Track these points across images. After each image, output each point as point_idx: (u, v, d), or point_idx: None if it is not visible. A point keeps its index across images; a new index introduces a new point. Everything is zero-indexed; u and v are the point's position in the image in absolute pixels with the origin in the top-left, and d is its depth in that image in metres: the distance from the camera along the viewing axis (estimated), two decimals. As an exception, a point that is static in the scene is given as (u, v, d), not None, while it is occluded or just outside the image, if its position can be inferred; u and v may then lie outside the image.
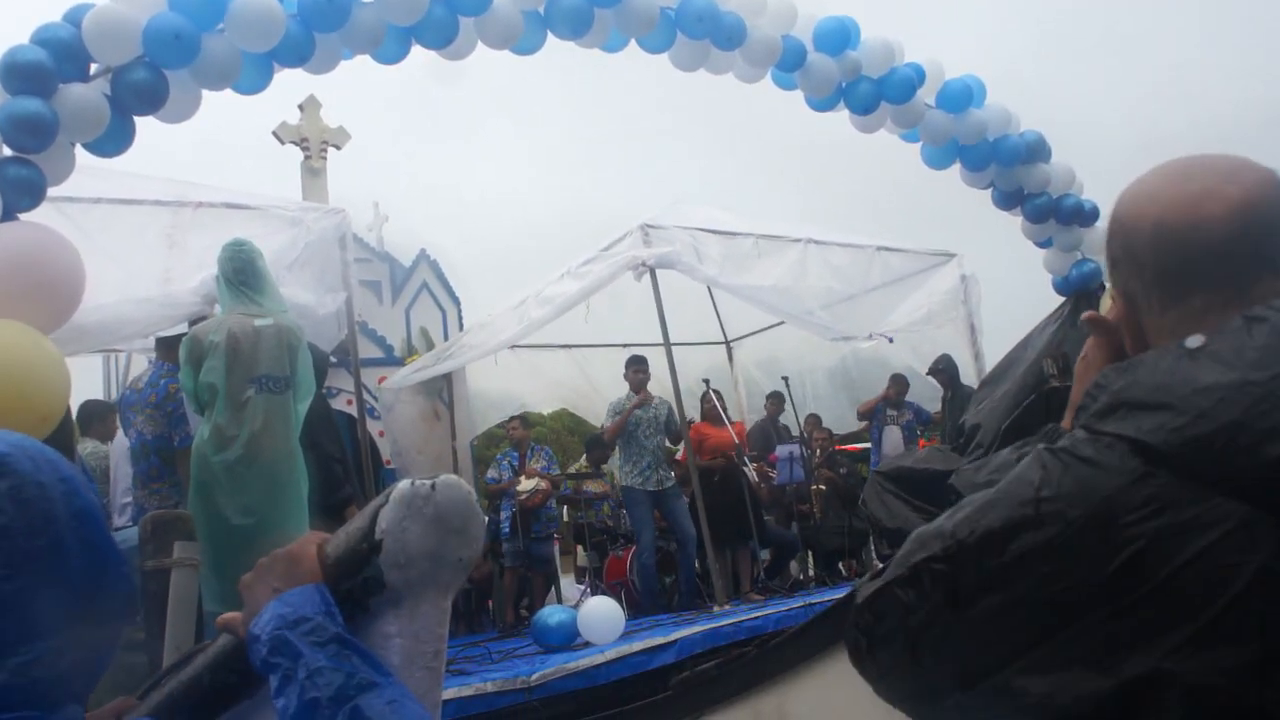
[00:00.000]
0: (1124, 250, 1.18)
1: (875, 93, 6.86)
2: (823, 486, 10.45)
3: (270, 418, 5.23)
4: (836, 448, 11.28)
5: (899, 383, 10.50)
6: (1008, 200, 7.50)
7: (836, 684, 3.96)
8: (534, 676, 5.52)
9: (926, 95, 7.03)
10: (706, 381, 9.83)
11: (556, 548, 10.33)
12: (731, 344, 12.63)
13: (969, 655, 1.03)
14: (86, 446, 7.25)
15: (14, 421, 3.72)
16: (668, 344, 7.92)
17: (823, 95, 6.90)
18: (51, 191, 4.79)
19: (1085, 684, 0.95)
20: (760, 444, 10.70)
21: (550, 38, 6.09)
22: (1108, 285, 1.27)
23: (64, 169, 4.80)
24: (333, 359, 7.22)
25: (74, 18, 4.70)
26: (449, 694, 5.05)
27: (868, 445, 11.21)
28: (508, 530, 9.31)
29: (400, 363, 9.82)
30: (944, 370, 10.12)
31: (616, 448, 9.35)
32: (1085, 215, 7.26)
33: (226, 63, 5.10)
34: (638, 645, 5.93)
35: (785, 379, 10.35)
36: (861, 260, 9.47)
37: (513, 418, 10.35)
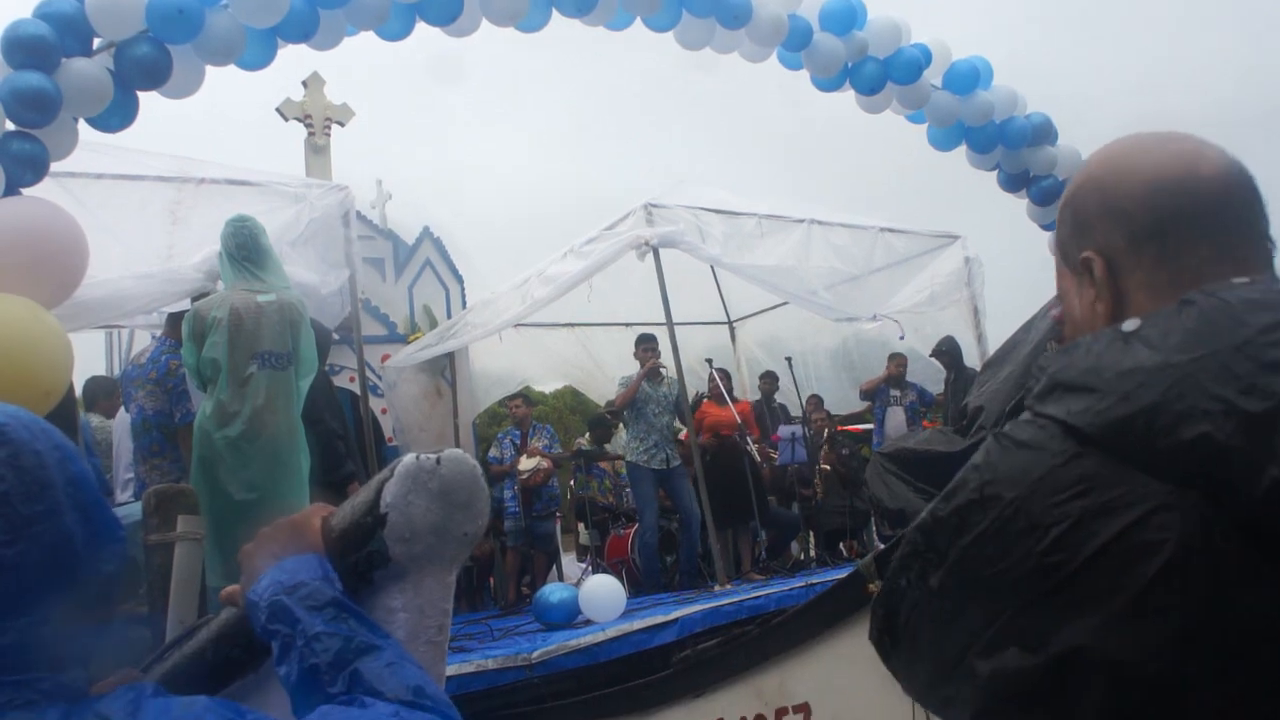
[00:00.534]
0: (1106, 208, 1.16)
1: (881, 73, 6.84)
2: (827, 467, 10.46)
3: (273, 394, 5.23)
4: (838, 429, 11.28)
5: (899, 360, 10.49)
6: (1013, 182, 7.49)
7: (838, 663, 3.98)
8: (535, 654, 5.53)
9: (933, 76, 7.01)
10: (710, 361, 9.83)
11: (558, 526, 10.34)
12: (734, 324, 12.62)
13: (946, 641, 1.05)
14: (93, 421, 7.29)
15: (17, 396, 3.72)
16: (670, 323, 7.91)
17: (829, 75, 6.87)
18: (54, 166, 4.79)
19: (1017, 662, 0.96)
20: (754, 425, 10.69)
21: (555, 15, 6.06)
22: (1057, 255, 1.25)
23: (67, 144, 4.79)
24: (335, 336, 7.22)
25: (77, -9, 4.69)
26: (450, 670, 5.07)
27: (869, 426, 11.20)
28: (515, 508, 9.31)
29: (403, 340, 9.81)
30: (947, 352, 10.10)
31: (620, 426, 9.34)
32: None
33: (230, 38, 5.09)
34: (639, 624, 5.94)
35: (789, 359, 10.34)
36: (865, 241, 9.44)
37: (515, 395, 10.35)
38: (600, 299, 9.63)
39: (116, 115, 4.92)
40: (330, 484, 5.73)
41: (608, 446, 10.64)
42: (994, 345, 8.46)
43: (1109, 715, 0.94)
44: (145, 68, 4.86)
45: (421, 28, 5.86)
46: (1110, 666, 0.92)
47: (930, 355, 10.37)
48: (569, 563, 11.05)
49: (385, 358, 9.58)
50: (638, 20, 6.31)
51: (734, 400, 9.47)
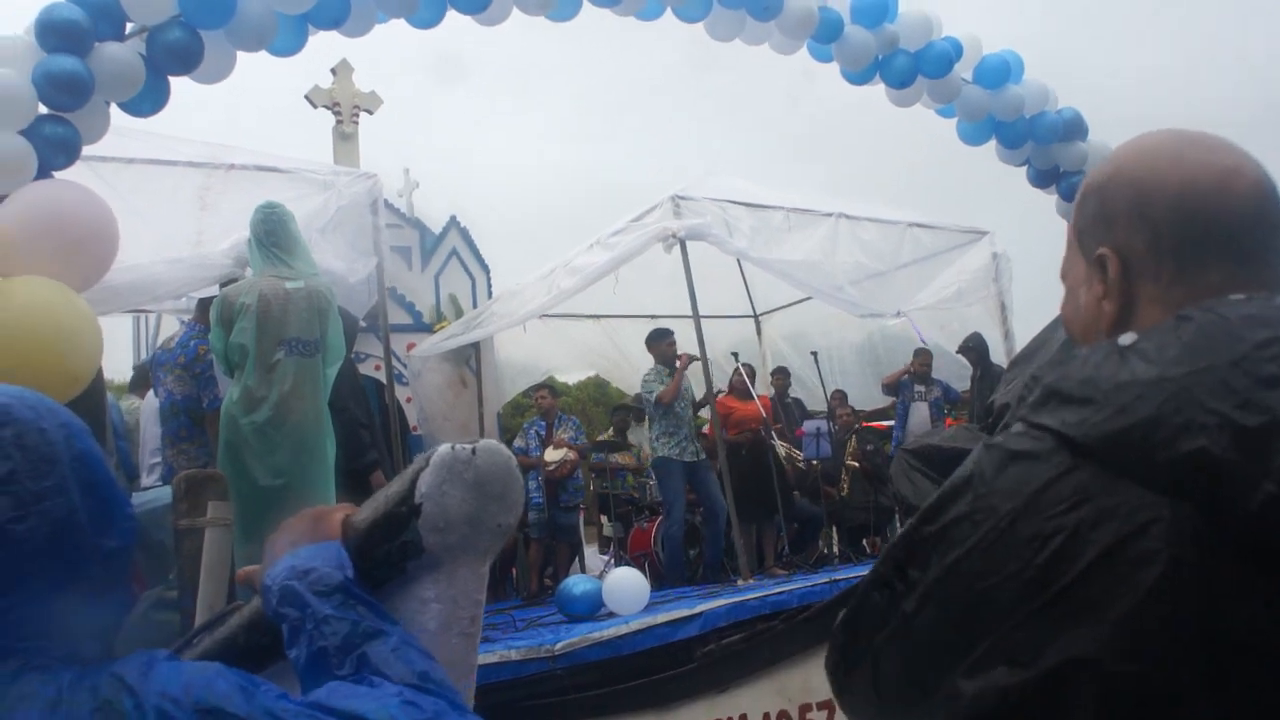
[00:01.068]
0: (1133, 208, 1.14)
1: (912, 67, 6.79)
2: (855, 463, 10.43)
3: (299, 380, 5.25)
4: (862, 424, 11.24)
5: (923, 355, 10.44)
6: (1043, 178, 7.42)
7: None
8: (558, 645, 5.54)
9: (964, 70, 6.94)
10: (735, 355, 9.79)
11: (581, 518, 10.34)
12: (760, 317, 12.58)
13: (919, 664, 1.04)
14: (122, 403, 7.34)
15: (45, 381, 3.74)
16: (696, 316, 7.89)
17: (859, 68, 6.83)
18: (86, 150, 4.81)
19: (1006, 679, 0.95)
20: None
21: (586, 5, 6.04)
22: (1071, 234, 1.22)
23: (99, 128, 4.81)
24: (362, 324, 7.24)
25: (110, -24, 4.69)
26: (473, 660, 5.07)
27: (891, 422, 11.15)
28: (539, 500, 9.31)
29: (429, 329, 9.82)
30: (974, 348, 10.05)
31: (644, 419, 9.31)
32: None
33: (262, 24, 5.09)
34: (662, 617, 5.93)
35: (814, 354, 10.30)
36: (892, 236, 9.39)
37: (540, 386, 10.35)
38: (626, 290, 9.63)
39: (148, 100, 4.93)
40: (354, 472, 5.74)
41: (631, 439, 10.64)
42: (1021, 342, 8.40)
43: None
44: (177, 53, 4.86)
45: (452, 16, 5.86)
46: (1104, 678, 0.92)
47: (957, 352, 10.33)
48: (591, 554, 11.06)
49: (411, 346, 9.59)
50: (668, 11, 6.28)
51: (757, 396, 9.46)
